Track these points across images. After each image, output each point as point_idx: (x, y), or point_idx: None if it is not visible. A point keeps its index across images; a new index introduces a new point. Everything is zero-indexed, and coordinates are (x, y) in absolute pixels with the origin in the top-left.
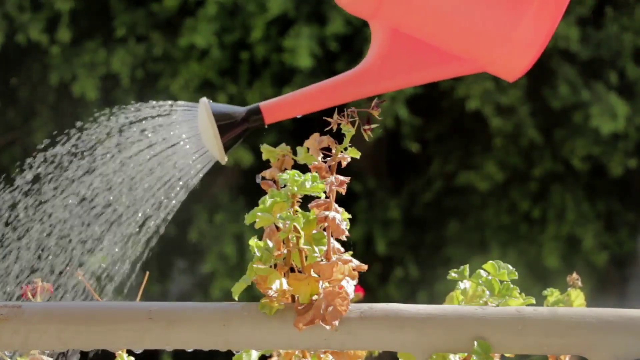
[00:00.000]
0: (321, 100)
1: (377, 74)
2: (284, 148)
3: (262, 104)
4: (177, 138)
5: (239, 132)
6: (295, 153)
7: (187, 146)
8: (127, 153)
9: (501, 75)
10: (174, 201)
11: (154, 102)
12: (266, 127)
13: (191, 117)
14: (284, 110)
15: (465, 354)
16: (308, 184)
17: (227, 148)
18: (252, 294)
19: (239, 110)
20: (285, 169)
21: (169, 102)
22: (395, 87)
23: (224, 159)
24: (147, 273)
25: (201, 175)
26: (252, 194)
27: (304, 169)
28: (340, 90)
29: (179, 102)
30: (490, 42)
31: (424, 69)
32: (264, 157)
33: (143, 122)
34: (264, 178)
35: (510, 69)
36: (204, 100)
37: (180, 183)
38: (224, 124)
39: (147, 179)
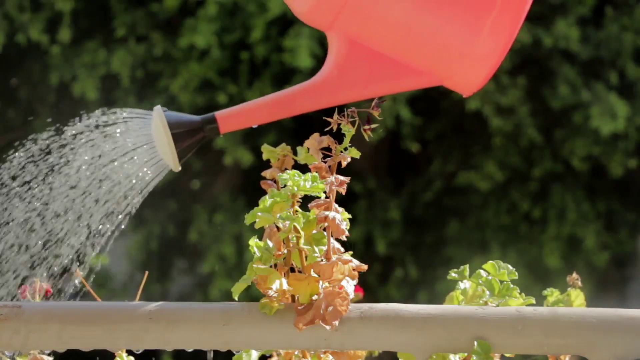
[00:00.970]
0: (277, 110)
1: (333, 86)
2: (284, 148)
3: (218, 113)
4: (130, 147)
5: (193, 140)
6: (295, 153)
7: (140, 155)
8: (77, 163)
9: (458, 89)
10: (125, 211)
11: (107, 110)
12: (221, 135)
13: (145, 125)
14: (240, 119)
15: (465, 354)
16: (308, 184)
17: (181, 156)
18: (252, 294)
19: (194, 118)
20: (286, 169)
21: (123, 110)
22: (352, 98)
23: (177, 168)
24: (147, 273)
25: (154, 184)
26: (252, 194)
27: (304, 169)
28: (296, 101)
29: (134, 110)
30: (449, 56)
31: (382, 81)
32: (265, 157)
33: (95, 130)
34: (264, 178)
35: (467, 83)
36: (158, 108)
37: (132, 192)
38: (179, 132)
39: (98, 188)
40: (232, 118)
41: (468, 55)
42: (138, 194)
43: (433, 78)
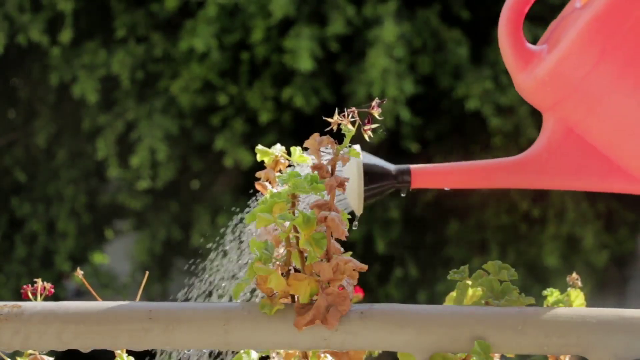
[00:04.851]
0: (473, 179)
1: (539, 168)
2: (278, 149)
3: (413, 167)
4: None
5: (382, 187)
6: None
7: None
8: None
9: None
10: None
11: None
12: (410, 189)
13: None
14: (433, 178)
15: (465, 354)
16: (308, 184)
17: (366, 200)
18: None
19: (389, 166)
20: (280, 170)
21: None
22: (553, 186)
23: (360, 211)
24: (147, 273)
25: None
26: (252, 195)
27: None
28: (494, 174)
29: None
30: None
31: (589, 177)
32: (259, 158)
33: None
34: (258, 179)
35: None
36: (356, 147)
37: None
38: (371, 174)
39: None
40: (426, 175)
41: None
42: None
43: None
